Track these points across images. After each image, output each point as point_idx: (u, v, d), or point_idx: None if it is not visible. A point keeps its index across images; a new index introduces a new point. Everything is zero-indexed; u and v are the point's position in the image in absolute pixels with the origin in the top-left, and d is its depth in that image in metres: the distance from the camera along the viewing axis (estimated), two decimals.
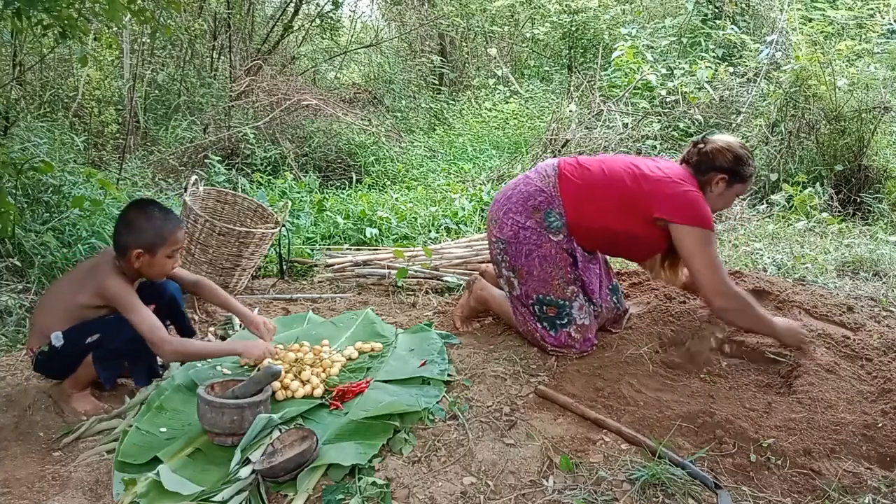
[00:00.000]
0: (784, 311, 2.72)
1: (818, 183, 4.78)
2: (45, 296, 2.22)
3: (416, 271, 3.33)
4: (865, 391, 2.15)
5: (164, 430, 1.94)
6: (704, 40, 7.21)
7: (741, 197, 5.02)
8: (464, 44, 10.36)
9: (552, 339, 2.38)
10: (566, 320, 2.36)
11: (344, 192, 5.23)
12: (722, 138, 2.37)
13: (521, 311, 2.44)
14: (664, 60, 6.76)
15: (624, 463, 1.79)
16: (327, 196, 4.89)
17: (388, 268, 3.38)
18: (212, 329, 2.81)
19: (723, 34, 7.04)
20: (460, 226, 4.28)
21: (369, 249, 3.81)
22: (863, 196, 4.73)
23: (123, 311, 2.06)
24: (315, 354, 2.38)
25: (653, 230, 2.29)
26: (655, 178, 2.28)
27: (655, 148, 5.65)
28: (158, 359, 2.28)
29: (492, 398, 2.10)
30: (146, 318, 2.06)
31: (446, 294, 3.24)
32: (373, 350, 2.49)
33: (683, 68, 6.22)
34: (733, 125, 5.86)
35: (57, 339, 2.06)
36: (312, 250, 3.83)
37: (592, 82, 6.72)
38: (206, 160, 5.12)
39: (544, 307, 2.37)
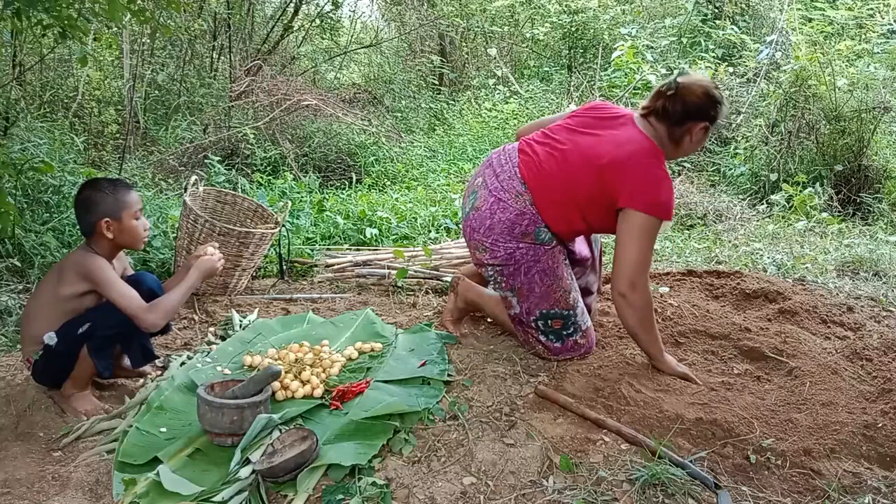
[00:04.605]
0: (784, 313, 2.73)
1: (818, 183, 4.79)
2: (29, 304, 2.21)
3: (416, 271, 3.33)
4: (865, 391, 2.15)
5: (164, 430, 1.94)
6: (704, 40, 7.21)
7: (741, 198, 5.03)
8: (464, 44, 10.36)
9: (557, 349, 2.33)
10: (572, 329, 2.31)
11: (344, 192, 5.23)
12: (693, 80, 2.15)
13: (520, 328, 2.38)
14: (664, 60, 6.76)
15: (624, 463, 1.79)
16: (327, 196, 4.89)
17: (388, 268, 3.38)
18: (212, 329, 2.81)
19: (723, 34, 7.05)
20: (460, 226, 4.28)
21: (369, 249, 3.81)
22: (863, 196, 4.74)
23: (101, 287, 2.07)
24: (315, 354, 2.38)
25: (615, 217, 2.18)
26: (620, 164, 2.10)
27: None
28: (152, 340, 2.29)
29: (492, 398, 2.10)
30: (124, 292, 2.07)
31: (446, 294, 3.24)
32: (373, 350, 2.48)
33: (683, 68, 6.21)
34: (733, 125, 5.87)
35: (50, 338, 2.06)
36: (312, 250, 3.83)
37: (592, 82, 6.73)
38: (205, 160, 5.12)
39: (549, 321, 2.29)
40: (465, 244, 2.45)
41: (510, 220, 2.23)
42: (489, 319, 2.71)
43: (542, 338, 2.33)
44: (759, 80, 6.07)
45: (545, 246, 2.24)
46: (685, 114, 2.14)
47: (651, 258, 2.17)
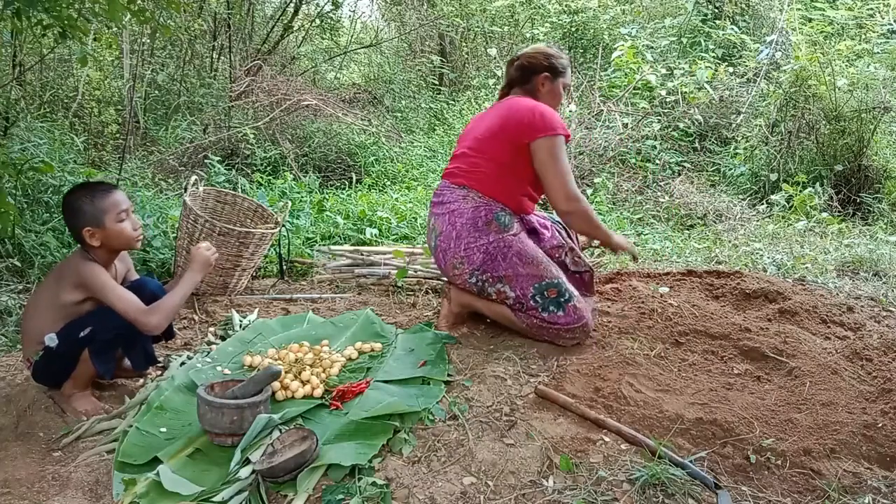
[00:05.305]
0: (784, 313, 2.73)
1: (818, 183, 4.79)
2: (29, 304, 2.20)
3: (416, 271, 3.33)
4: (865, 391, 2.15)
5: (164, 430, 1.94)
6: (704, 40, 7.21)
7: (741, 198, 5.03)
8: (464, 44, 10.36)
9: (564, 319, 2.39)
10: (567, 295, 2.41)
11: (344, 192, 5.23)
12: (530, 48, 2.65)
13: (522, 314, 2.44)
14: (664, 60, 6.76)
15: (624, 463, 1.79)
16: (327, 196, 4.89)
17: (387, 266, 3.38)
18: (212, 329, 2.81)
19: (723, 34, 7.05)
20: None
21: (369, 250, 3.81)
22: (863, 196, 4.74)
23: (99, 293, 2.06)
24: (315, 354, 2.38)
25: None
26: (509, 118, 2.45)
27: (655, 148, 5.65)
28: (155, 347, 2.29)
29: (492, 398, 2.10)
30: (122, 296, 2.06)
31: None
32: (373, 350, 2.49)
33: (683, 68, 6.22)
34: (733, 125, 5.87)
35: (51, 340, 2.05)
36: (312, 250, 3.83)
37: (592, 82, 6.72)
38: (206, 160, 5.12)
39: (545, 292, 2.40)
40: (446, 276, 2.63)
41: (470, 218, 2.44)
42: (489, 319, 2.71)
43: (544, 314, 2.40)
44: (759, 80, 6.07)
45: (511, 232, 2.44)
46: (530, 71, 2.59)
47: (570, 170, 2.47)
